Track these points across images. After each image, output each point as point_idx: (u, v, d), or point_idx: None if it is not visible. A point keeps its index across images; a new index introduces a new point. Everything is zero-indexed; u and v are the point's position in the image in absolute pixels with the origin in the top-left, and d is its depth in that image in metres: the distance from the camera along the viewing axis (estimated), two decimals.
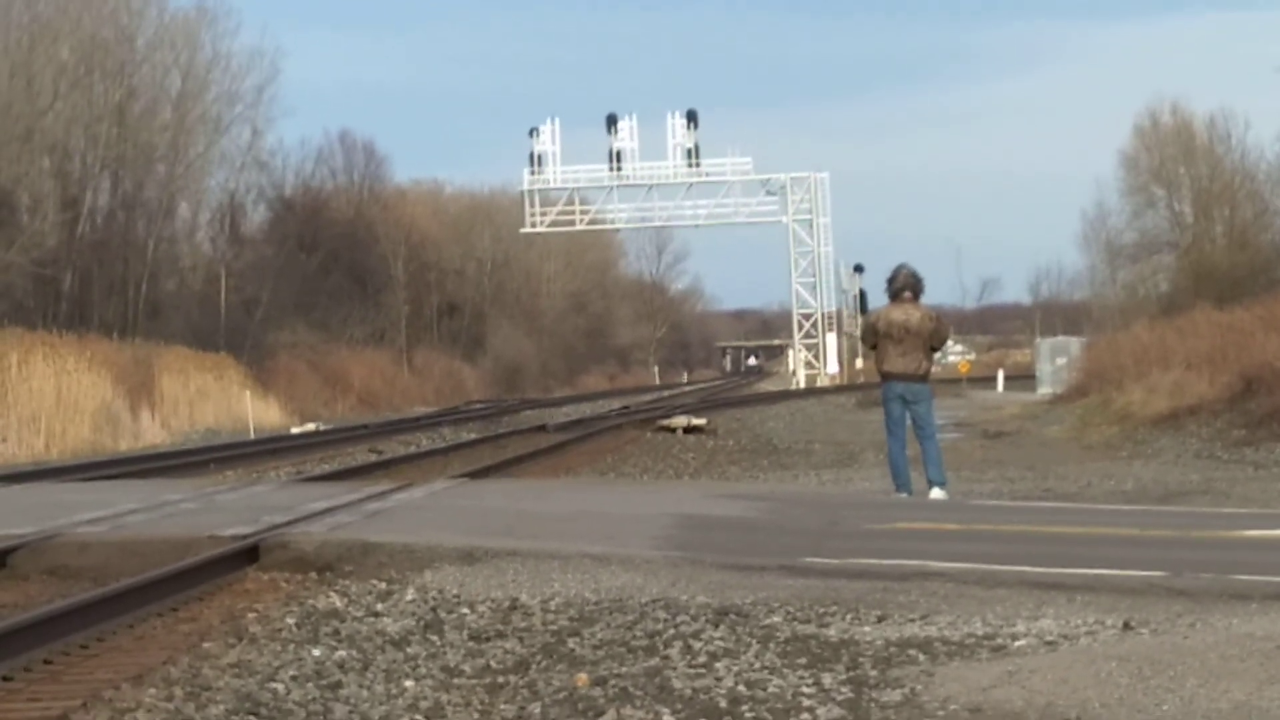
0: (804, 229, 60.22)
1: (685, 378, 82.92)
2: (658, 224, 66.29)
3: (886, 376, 10.57)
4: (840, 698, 3.48)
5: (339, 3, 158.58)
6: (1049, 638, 4.37)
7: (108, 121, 37.81)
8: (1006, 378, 46.46)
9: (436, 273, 59.30)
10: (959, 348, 69.52)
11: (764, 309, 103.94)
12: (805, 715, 3.31)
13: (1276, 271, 38.66)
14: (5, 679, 3.92)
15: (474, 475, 14.33)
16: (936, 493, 10.43)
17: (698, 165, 57.92)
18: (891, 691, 3.53)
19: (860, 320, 38.98)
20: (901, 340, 10.34)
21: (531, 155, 57.52)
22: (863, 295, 57.07)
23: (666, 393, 55.17)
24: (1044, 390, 37.70)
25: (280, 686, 3.85)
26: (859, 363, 56.48)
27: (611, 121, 57.43)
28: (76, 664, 4.35)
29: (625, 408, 36.04)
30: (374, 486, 10.89)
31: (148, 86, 41.08)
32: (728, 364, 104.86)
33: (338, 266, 51.62)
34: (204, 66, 43.10)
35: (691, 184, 59.04)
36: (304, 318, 45.83)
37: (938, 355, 13.01)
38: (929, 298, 11.32)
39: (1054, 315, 65.06)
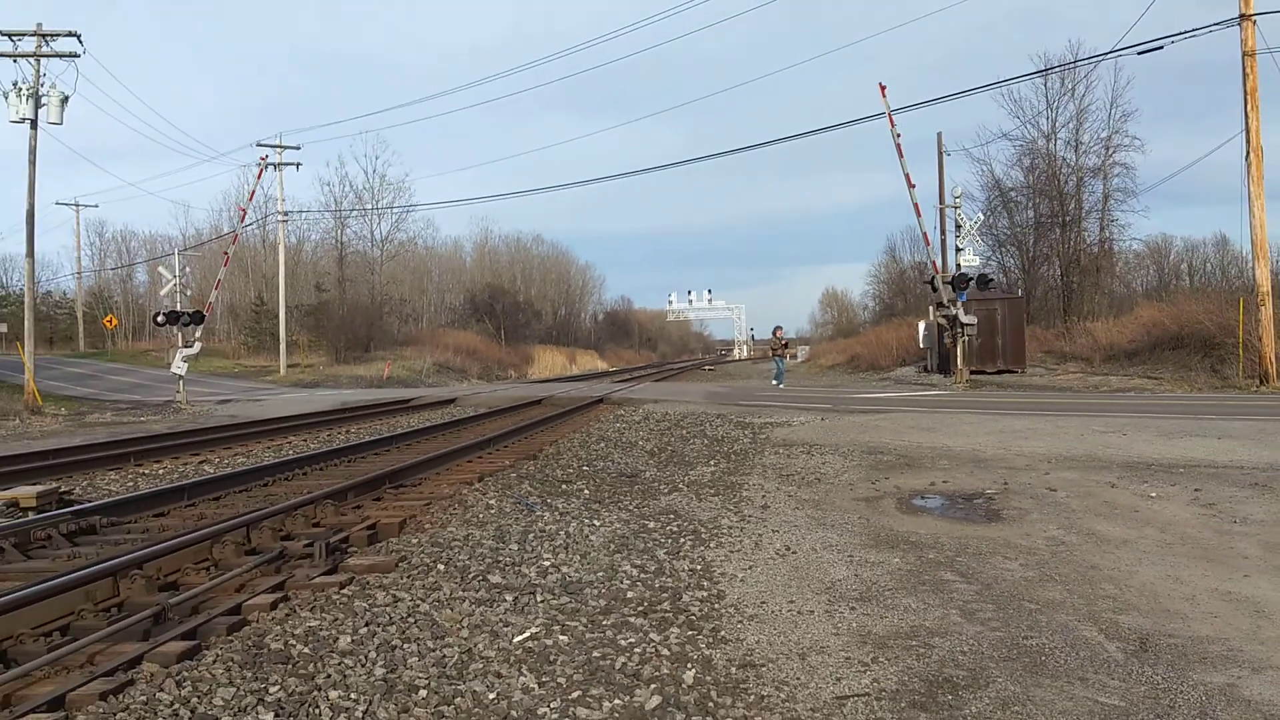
0: None
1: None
2: None
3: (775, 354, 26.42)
4: (748, 438, 15.20)
5: None
6: (802, 420, 16.35)
7: None
8: None
9: None
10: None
11: None
12: (740, 440, 15.00)
13: None
14: (514, 432, 15.53)
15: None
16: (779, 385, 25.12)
17: None
18: (761, 434, 15.33)
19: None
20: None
21: None
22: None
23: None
24: None
25: (609, 430, 15.58)
26: None
27: None
28: (554, 424, 15.98)
29: None
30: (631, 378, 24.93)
31: None
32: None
33: None
34: None
35: None
36: None
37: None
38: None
39: None
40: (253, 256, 66.54)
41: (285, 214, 50.96)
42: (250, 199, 39.25)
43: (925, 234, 28.20)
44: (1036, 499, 8.82)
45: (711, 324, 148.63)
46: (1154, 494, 8.87)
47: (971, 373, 28.01)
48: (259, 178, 34.07)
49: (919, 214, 26.40)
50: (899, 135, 24.82)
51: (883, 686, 4.30)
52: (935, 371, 33.79)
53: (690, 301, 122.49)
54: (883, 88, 24.68)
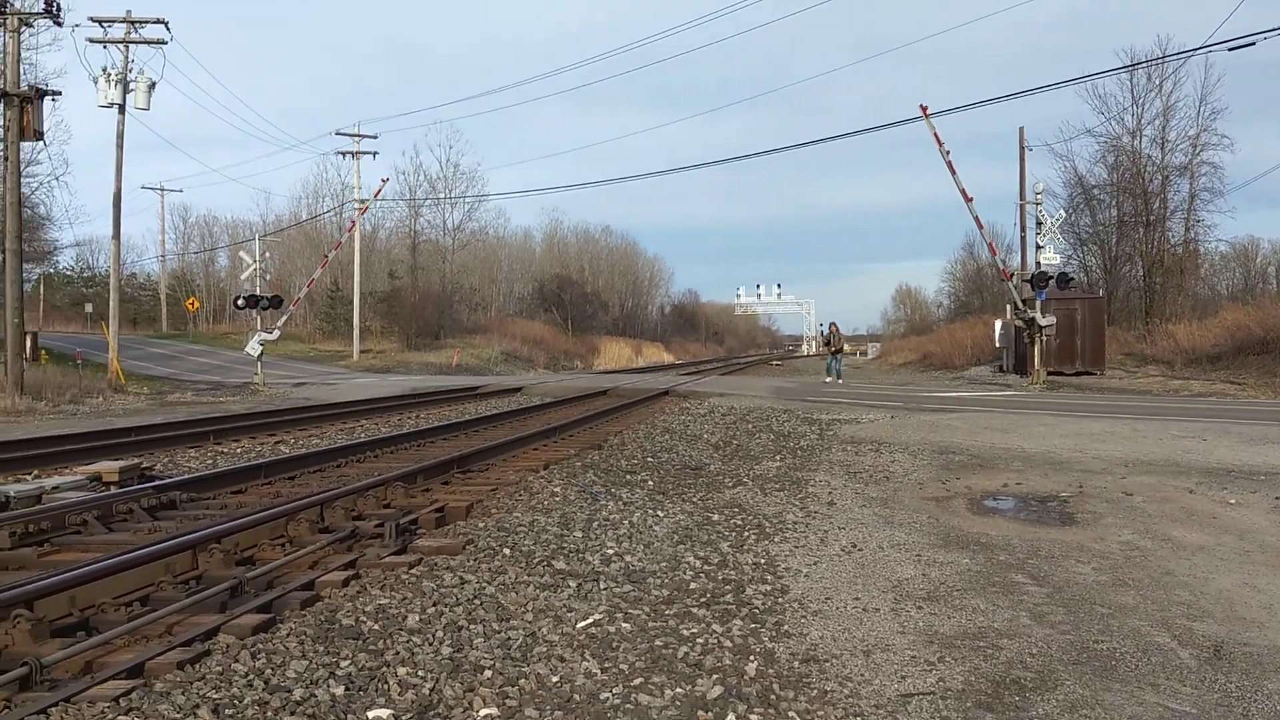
0: None
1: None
2: None
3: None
4: (815, 434, 15.09)
5: None
6: (870, 418, 16.16)
7: None
8: None
9: None
10: None
11: None
12: (807, 436, 14.89)
13: None
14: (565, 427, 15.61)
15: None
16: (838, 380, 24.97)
17: None
18: (828, 430, 15.21)
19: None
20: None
21: None
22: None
23: None
24: None
25: (673, 422, 15.62)
26: None
27: None
28: (619, 415, 16.06)
29: None
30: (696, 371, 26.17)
31: None
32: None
33: None
34: None
35: None
36: None
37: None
38: None
39: None
40: (330, 243, 68.08)
41: (362, 202, 51.98)
42: (336, 249, 40.07)
43: (990, 243, 27.93)
44: (1112, 503, 8.60)
45: (780, 319, 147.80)
46: (1233, 500, 8.60)
47: (1049, 374, 27.42)
48: (375, 195, 34.69)
49: (980, 225, 26.38)
50: (948, 153, 24.67)
51: (948, 686, 4.25)
52: (1011, 372, 33.15)
53: (759, 295, 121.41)
54: (924, 109, 24.52)
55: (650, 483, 9.65)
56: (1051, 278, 24.02)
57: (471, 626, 4.71)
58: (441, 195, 64.65)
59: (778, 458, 11.87)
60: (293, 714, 3.63)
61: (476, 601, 5.10)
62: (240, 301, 28.52)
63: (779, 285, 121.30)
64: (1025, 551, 6.80)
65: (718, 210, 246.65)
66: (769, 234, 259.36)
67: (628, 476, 9.97)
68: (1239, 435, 13.13)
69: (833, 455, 12.14)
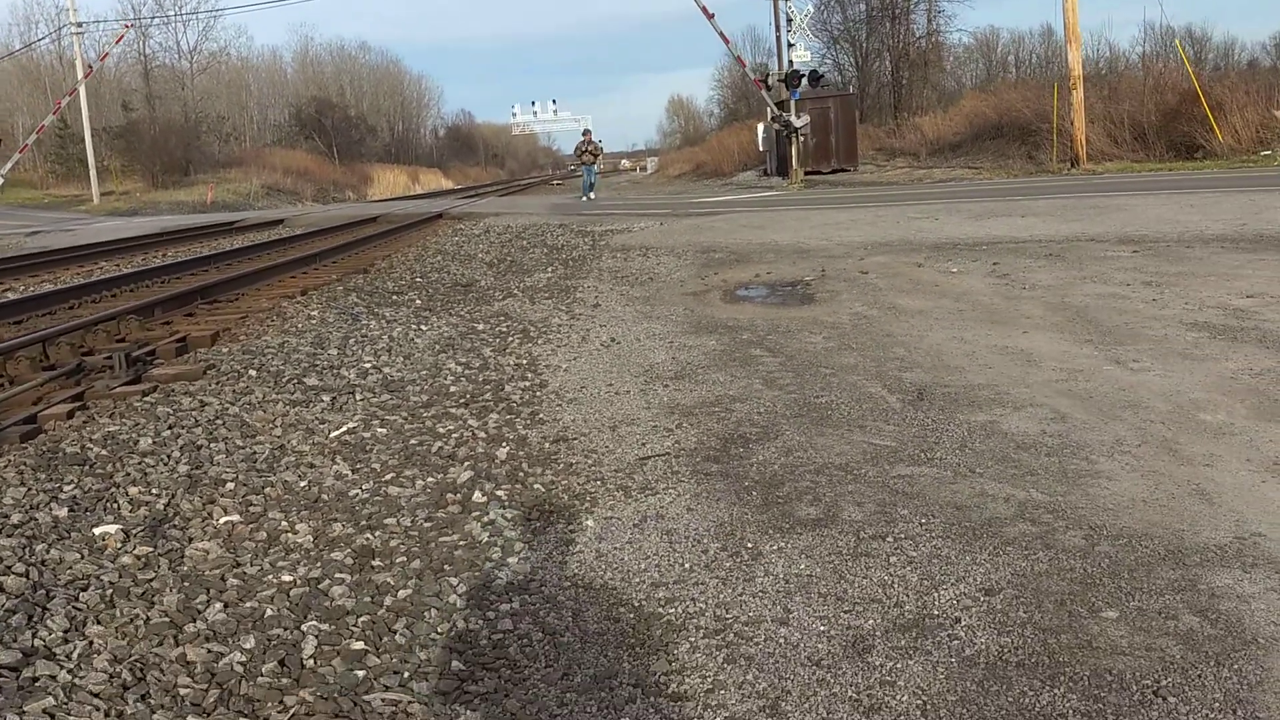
0: None
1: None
2: None
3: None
4: (588, 245, 15.21)
5: None
6: (641, 226, 16.45)
7: None
8: None
9: None
10: None
11: None
12: (579, 247, 15.02)
13: None
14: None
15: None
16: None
17: None
18: (600, 241, 15.37)
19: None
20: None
21: None
22: None
23: None
24: None
25: (446, 244, 15.30)
26: None
27: None
28: (388, 239, 15.59)
29: None
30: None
31: None
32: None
33: None
34: None
35: None
36: None
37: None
38: None
39: None
40: (50, 76, 60.30)
41: (80, 25, 46.01)
42: (70, 95, 35.23)
43: (739, 57, 28.63)
44: (849, 281, 9.27)
45: (560, 138, 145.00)
46: (955, 270, 9.45)
47: (806, 173, 28.57)
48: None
49: (726, 41, 26.91)
50: None
51: (682, 446, 4.58)
52: (775, 174, 34.32)
53: (535, 114, 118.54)
54: None
55: (418, 301, 9.53)
56: (804, 76, 24.68)
57: (212, 445, 4.61)
58: (171, 14, 58.28)
59: (549, 269, 11.95)
60: (10, 536, 3.48)
61: (219, 422, 4.98)
62: None
63: (554, 102, 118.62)
64: (766, 329, 7.28)
65: (483, 25, 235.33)
66: (541, 48, 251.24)
67: (394, 297, 9.79)
68: (967, 213, 14.31)
69: (602, 263, 12.35)
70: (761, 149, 37.21)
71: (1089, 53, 28.57)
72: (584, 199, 26.78)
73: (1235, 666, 2.47)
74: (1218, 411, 4.58)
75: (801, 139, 26.65)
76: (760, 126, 37.30)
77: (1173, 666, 2.49)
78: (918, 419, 4.77)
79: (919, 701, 2.44)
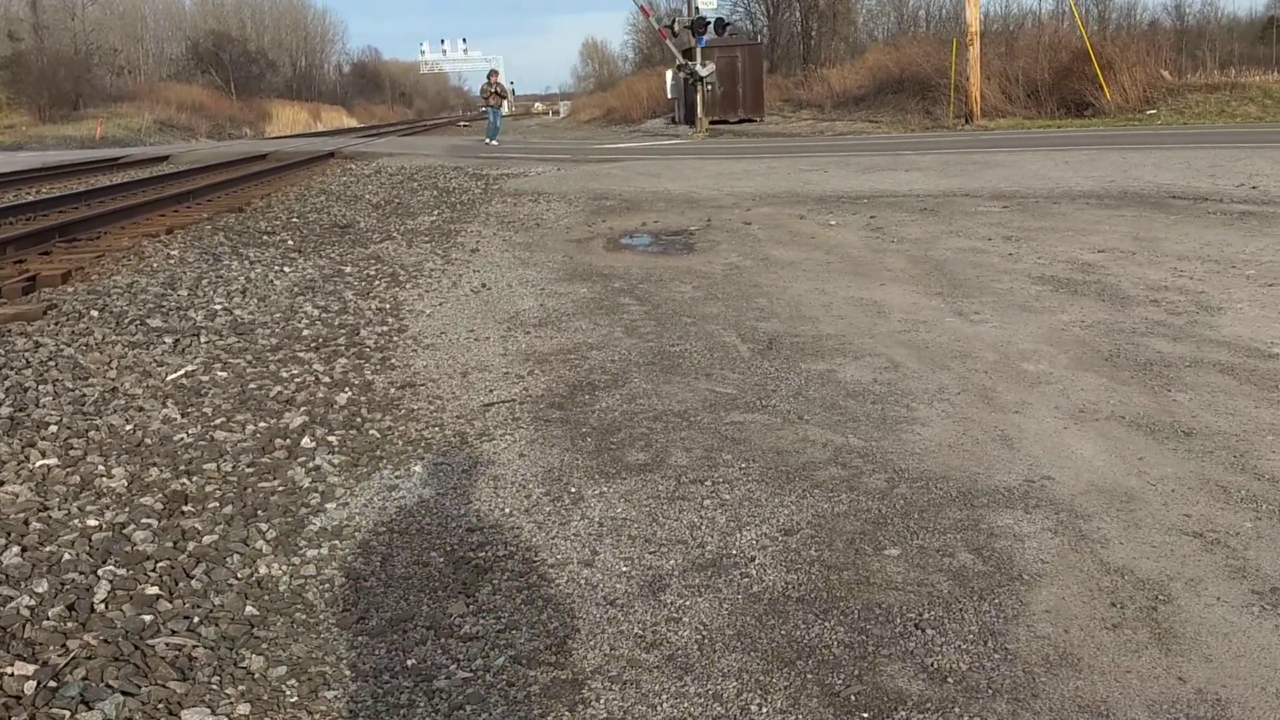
0: None
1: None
2: None
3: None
4: (480, 189, 14.99)
5: None
6: (538, 171, 16.27)
7: None
8: None
9: None
10: None
11: None
12: (471, 191, 14.79)
13: None
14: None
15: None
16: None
17: None
18: (494, 185, 15.16)
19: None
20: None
21: None
22: None
23: None
24: None
25: (333, 184, 14.90)
26: None
27: None
28: (272, 177, 15.12)
29: None
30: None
31: None
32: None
33: None
34: None
35: None
36: None
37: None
38: None
39: None
40: None
41: None
42: None
43: (643, 6, 28.12)
44: (731, 232, 9.34)
45: (471, 78, 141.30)
46: (834, 222, 9.61)
47: (713, 122, 28.54)
48: None
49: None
50: None
51: (530, 393, 4.60)
52: (683, 123, 34.17)
53: (444, 53, 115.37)
54: None
55: (290, 242, 9.28)
56: (710, 23, 24.55)
57: (40, 387, 4.45)
58: None
59: (435, 212, 11.76)
60: None
61: (51, 363, 4.80)
62: None
63: (464, 41, 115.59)
64: (640, 278, 7.31)
65: None
66: None
67: (264, 237, 9.51)
68: (856, 166, 14.52)
69: (491, 207, 12.20)
70: (670, 96, 36.96)
71: (995, 9, 29.01)
72: (488, 142, 26.15)
73: (996, 601, 2.62)
74: (1040, 361, 4.78)
75: (708, 88, 26.57)
76: (669, 74, 37.05)
77: (938, 600, 2.63)
78: (762, 368, 4.87)
79: (699, 637, 2.53)
